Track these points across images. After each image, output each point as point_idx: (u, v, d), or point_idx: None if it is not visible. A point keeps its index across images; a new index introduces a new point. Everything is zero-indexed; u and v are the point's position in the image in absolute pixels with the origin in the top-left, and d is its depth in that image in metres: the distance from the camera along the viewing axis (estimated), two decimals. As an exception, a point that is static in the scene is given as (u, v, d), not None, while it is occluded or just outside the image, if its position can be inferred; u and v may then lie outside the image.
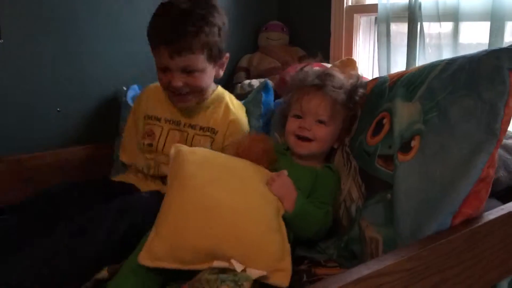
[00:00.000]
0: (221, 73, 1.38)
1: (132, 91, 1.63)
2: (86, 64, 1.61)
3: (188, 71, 1.25)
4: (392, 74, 1.17)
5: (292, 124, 1.18)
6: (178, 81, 1.25)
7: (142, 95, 1.48)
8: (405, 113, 0.98)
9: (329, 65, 1.61)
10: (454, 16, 1.37)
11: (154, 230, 0.93)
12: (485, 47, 1.20)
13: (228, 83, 1.89)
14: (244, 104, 1.49)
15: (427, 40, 1.46)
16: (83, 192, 1.24)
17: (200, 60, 1.25)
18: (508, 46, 0.90)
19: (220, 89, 1.42)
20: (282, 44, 1.95)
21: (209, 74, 1.30)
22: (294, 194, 1.04)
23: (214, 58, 1.29)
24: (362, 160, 1.08)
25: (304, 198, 1.07)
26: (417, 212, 0.87)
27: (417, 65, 1.43)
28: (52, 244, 1.01)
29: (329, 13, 1.83)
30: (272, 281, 0.87)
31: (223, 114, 1.35)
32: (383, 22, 1.56)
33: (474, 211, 0.86)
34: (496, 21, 1.26)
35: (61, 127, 1.60)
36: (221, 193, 0.96)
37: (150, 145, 1.38)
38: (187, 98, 1.30)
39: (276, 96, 1.51)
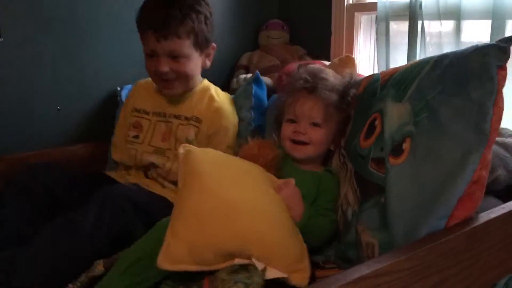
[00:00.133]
0: (208, 63, 1.39)
1: (126, 91, 1.63)
2: (86, 63, 1.61)
3: (174, 56, 1.28)
4: (384, 72, 1.15)
5: (287, 129, 1.18)
6: (165, 66, 1.27)
7: (133, 90, 1.51)
8: (395, 114, 0.97)
9: (327, 63, 1.61)
10: (455, 15, 1.37)
11: (170, 232, 0.88)
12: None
13: (229, 81, 1.88)
14: (235, 97, 1.50)
15: (427, 38, 1.46)
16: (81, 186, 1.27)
17: (186, 46, 1.28)
18: (496, 42, 0.88)
19: (206, 81, 1.43)
20: (283, 43, 1.94)
21: (195, 61, 1.32)
22: (301, 206, 1.04)
23: (200, 45, 1.32)
24: (356, 163, 1.07)
25: (310, 208, 1.07)
26: (410, 216, 0.86)
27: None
28: (41, 242, 1.02)
29: (329, 12, 1.82)
30: (291, 281, 0.87)
31: (207, 103, 1.36)
32: (383, 21, 1.56)
33: (469, 213, 0.85)
34: (497, 19, 1.25)
35: (61, 126, 1.61)
36: (240, 193, 0.93)
37: (137, 137, 1.41)
38: (173, 85, 1.32)
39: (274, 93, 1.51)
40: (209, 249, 0.85)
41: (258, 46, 1.98)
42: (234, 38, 1.97)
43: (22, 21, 1.48)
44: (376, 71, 1.70)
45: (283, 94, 1.24)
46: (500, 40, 0.88)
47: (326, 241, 1.10)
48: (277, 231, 0.91)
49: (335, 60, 1.63)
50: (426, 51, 1.46)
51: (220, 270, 0.86)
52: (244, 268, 0.85)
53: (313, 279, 0.97)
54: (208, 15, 1.33)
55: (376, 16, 1.63)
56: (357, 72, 1.57)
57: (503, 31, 1.26)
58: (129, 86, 1.64)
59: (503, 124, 0.94)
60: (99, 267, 1.01)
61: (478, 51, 0.88)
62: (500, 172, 0.98)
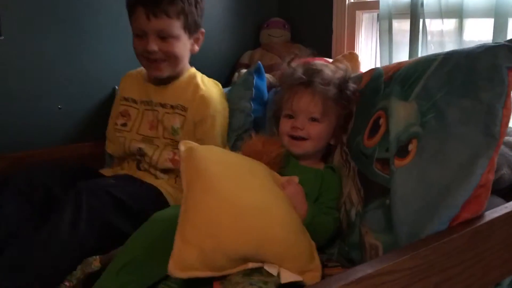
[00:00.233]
0: (197, 48, 1.40)
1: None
2: (86, 62, 1.61)
3: (163, 36, 1.28)
4: (387, 66, 1.13)
5: (285, 125, 1.17)
6: (153, 45, 1.28)
7: (123, 80, 1.51)
8: (401, 113, 0.95)
9: (330, 60, 1.61)
10: (457, 13, 1.36)
11: (179, 237, 0.84)
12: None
13: (230, 79, 1.88)
14: (234, 87, 1.49)
15: (429, 37, 1.45)
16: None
17: (176, 26, 1.28)
18: (505, 41, 0.87)
19: (193, 69, 1.43)
20: (284, 41, 1.94)
21: (183, 43, 1.33)
22: (305, 205, 1.03)
23: (189, 28, 1.32)
24: (360, 162, 1.06)
25: (313, 207, 1.06)
26: (415, 218, 0.85)
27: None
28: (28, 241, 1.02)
29: (331, 10, 1.82)
30: (304, 281, 0.87)
31: (193, 91, 1.35)
32: (385, 19, 1.55)
33: (474, 216, 0.84)
34: (500, 17, 1.25)
35: (62, 125, 1.60)
36: (249, 194, 0.91)
37: (124, 125, 1.42)
38: (161, 67, 1.32)
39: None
40: (222, 254, 0.83)
41: (259, 44, 1.98)
42: (235, 37, 1.97)
43: (22, 20, 1.48)
44: (377, 70, 1.70)
45: (279, 89, 1.24)
46: (509, 40, 0.87)
47: (329, 240, 1.09)
48: (290, 233, 0.89)
49: (339, 57, 1.63)
50: (428, 49, 1.46)
51: (234, 274, 0.84)
52: (258, 270, 0.84)
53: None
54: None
55: (378, 14, 1.63)
56: (360, 69, 1.57)
57: (506, 29, 1.26)
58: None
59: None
60: (95, 263, 1.00)
61: (487, 51, 0.86)
62: (505, 171, 0.97)
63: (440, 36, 1.43)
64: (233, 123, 1.41)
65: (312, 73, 1.15)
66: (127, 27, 1.51)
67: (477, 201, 0.83)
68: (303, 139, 1.15)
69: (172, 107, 1.36)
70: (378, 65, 1.66)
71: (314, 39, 1.91)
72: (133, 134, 1.40)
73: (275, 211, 0.90)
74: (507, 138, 1.07)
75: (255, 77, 1.45)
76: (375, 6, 1.63)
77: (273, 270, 0.84)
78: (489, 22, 1.30)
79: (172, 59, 1.32)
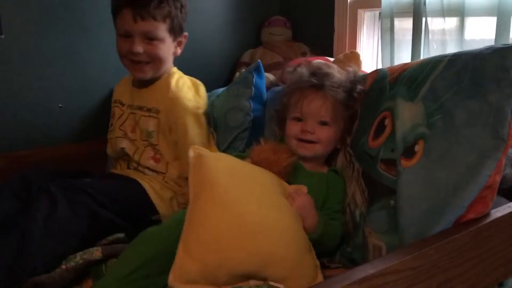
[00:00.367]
0: (179, 51, 1.40)
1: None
2: (88, 60, 1.61)
3: (149, 38, 1.29)
4: (392, 67, 1.13)
5: (294, 128, 1.15)
6: (139, 47, 1.28)
7: (117, 84, 1.52)
8: (407, 114, 0.94)
9: (331, 59, 1.60)
10: (459, 11, 1.35)
11: (182, 248, 0.84)
12: (491, 43, 1.18)
13: (231, 78, 1.88)
14: (233, 85, 1.48)
15: (431, 36, 1.45)
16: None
17: (161, 29, 1.29)
18: None
19: (173, 70, 1.42)
20: (285, 40, 1.93)
21: (168, 46, 1.33)
22: (315, 216, 1.01)
23: (174, 32, 1.33)
24: (365, 163, 1.05)
25: (323, 216, 1.04)
26: (421, 220, 0.85)
27: (421, 61, 1.41)
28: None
29: (332, 8, 1.81)
30: None
31: (164, 93, 1.35)
32: (387, 18, 1.54)
33: (478, 216, 0.84)
34: (502, 16, 1.24)
35: (63, 123, 1.60)
36: (257, 209, 0.89)
37: (111, 125, 1.45)
38: (145, 69, 1.33)
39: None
40: (224, 270, 0.82)
41: (260, 43, 1.97)
42: (236, 35, 1.96)
43: (23, 18, 1.47)
44: (379, 68, 1.69)
45: (286, 90, 1.22)
46: None
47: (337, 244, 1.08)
48: (296, 253, 0.88)
49: (340, 56, 1.62)
50: (430, 48, 1.45)
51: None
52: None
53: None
54: (184, 3, 1.35)
55: (380, 12, 1.62)
56: (361, 69, 1.56)
57: (509, 28, 1.24)
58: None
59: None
60: (96, 253, 1.01)
61: (496, 52, 0.86)
62: (508, 170, 0.97)
63: (442, 34, 1.42)
64: (231, 122, 1.40)
65: (322, 76, 1.14)
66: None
67: (483, 202, 0.84)
68: (312, 142, 1.13)
69: (148, 110, 1.37)
70: (380, 64, 1.65)
71: (316, 37, 1.90)
72: (117, 131, 1.42)
73: (282, 229, 0.89)
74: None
75: (254, 75, 1.44)
76: (377, 4, 1.62)
77: (277, 285, 0.83)
78: (492, 21, 1.29)
79: (156, 61, 1.32)
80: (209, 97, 1.52)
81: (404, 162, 0.91)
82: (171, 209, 1.27)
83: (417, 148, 0.90)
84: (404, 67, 1.05)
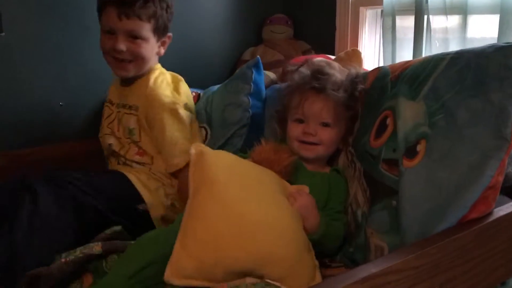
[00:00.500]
0: (163, 51, 1.40)
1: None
2: (89, 58, 1.60)
3: (133, 36, 1.29)
4: (393, 65, 1.12)
5: (295, 130, 1.15)
6: (122, 44, 1.28)
7: (111, 83, 1.51)
8: (409, 114, 0.94)
9: (333, 57, 1.60)
10: (462, 9, 1.35)
11: (180, 244, 0.84)
12: (494, 42, 1.17)
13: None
14: (231, 80, 1.47)
15: (433, 34, 1.44)
16: None
17: (146, 29, 1.29)
18: None
19: (156, 66, 1.41)
20: (287, 38, 1.93)
21: (151, 45, 1.33)
22: (317, 216, 1.01)
23: (158, 32, 1.33)
24: (366, 162, 1.05)
25: (324, 217, 1.04)
26: (424, 220, 0.85)
27: (423, 59, 1.40)
28: None
29: (334, 6, 1.81)
30: None
31: (143, 90, 1.35)
32: (389, 16, 1.54)
33: (480, 216, 0.84)
34: (505, 14, 1.23)
35: (64, 121, 1.60)
36: (256, 207, 0.88)
37: (101, 123, 1.46)
38: (128, 67, 1.33)
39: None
40: (221, 268, 0.82)
41: (261, 41, 1.97)
42: (237, 33, 1.96)
43: (24, 17, 1.47)
44: (381, 67, 1.69)
45: (287, 90, 1.22)
46: None
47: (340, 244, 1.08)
48: (294, 252, 0.88)
49: (341, 54, 1.62)
50: (432, 46, 1.45)
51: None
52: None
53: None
54: (170, 4, 1.36)
55: (381, 10, 1.61)
56: (363, 67, 1.55)
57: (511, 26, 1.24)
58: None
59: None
60: (96, 247, 1.00)
61: (499, 51, 0.85)
62: (510, 169, 0.96)
63: (444, 33, 1.41)
64: (228, 118, 1.39)
65: (323, 78, 1.13)
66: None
67: (485, 202, 0.83)
68: (314, 144, 1.13)
69: (129, 107, 1.38)
70: (382, 62, 1.64)
71: (317, 35, 1.90)
72: (105, 129, 1.43)
73: (282, 228, 0.88)
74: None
75: (253, 71, 1.43)
76: (378, 2, 1.62)
77: (274, 283, 0.83)
78: (495, 19, 1.28)
79: (139, 60, 1.32)
80: (204, 94, 1.52)
81: (406, 162, 0.91)
82: (158, 199, 1.28)
83: (419, 148, 0.89)
84: (405, 65, 1.05)
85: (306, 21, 1.95)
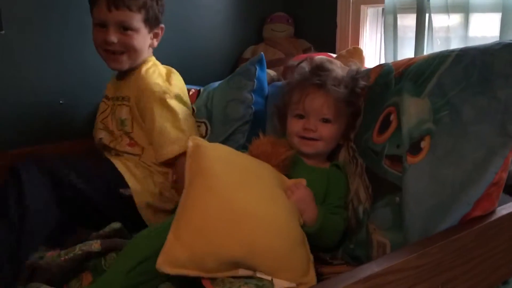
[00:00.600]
0: (156, 43, 1.41)
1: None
2: (88, 56, 1.59)
3: (124, 27, 1.29)
4: (397, 62, 1.12)
5: (295, 125, 1.15)
6: (113, 36, 1.29)
7: (110, 80, 1.51)
8: (413, 110, 0.94)
9: (334, 55, 1.59)
10: (463, 7, 1.34)
11: (173, 233, 0.85)
12: (496, 40, 1.17)
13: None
14: (234, 76, 1.46)
15: (435, 32, 1.43)
16: None
17: (136, 19, 1.29)
18: None
19: (149, 58, 1.41)
20: (287, 36, 1.92)
21: (143, 36, 1.33)
22: (314, 208, 1.01)
23: (149, 22, 1.33)
24: (369, 159, 1.04)
25: (322, 209, 1.04)
26: (427, 217, 0.85)
27: (425, 57, 1.39)
28: None
29: (335, 4, 1.80)
30: None
31: (133, 80, 1.36)
32: (390, 14, 1.53)
33: (484, 213, 0.84)
34: (507, 12, 1.23)
35: (64, 120, 1.59)
36: (249, 199, 0.89)
37: (96, 118, 1.47)
38: (121, 59, 1.33)
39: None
40: (212, 256, 0.82)
41: (262, 39, 1.97)
42: (238, 31, 1.95)
43: (24, 15, 1.46)
44: (383, 65, 1.68)
45: (288, 87, 1.22)
46: None
47: (340, 240, 1.07)
48: (286, 244, 0.88)
49: (343, 52, 1.61)
50: (434, 45, 1.44)
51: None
52: (250, 276, 0.83)
53: (320, 275, 0.96)
54: None
55: (383, 9, 1.61)
56: (364, 65, 1.55)
57: (514, 24, 1.24)
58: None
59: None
60: (95, 245, 1.01)
61: (505, 48, 0.85)
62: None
63: (445, 31, 1.41)
64: (231, 114, 1.39)
65: (324, 73, 1.13)
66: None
67: (489, 199, 0.83)
68: (314, 139, 1.13)
69: (122, 98, 1.38)
70: (383, 61, 1.64)
71: (318, 33, 1.89)
72: (98, 124, 1.44)
73: (274, 220, 0.89)
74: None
75: (257, 68, 1.42)
76: (380, 0, 1.61)
77: (265, 278, 0.83)
78: (496, 17, 1.28)
79: (131, 51, 1.32)
80: (204, 90, 1.51)
81: (410, 159, 0.90)
82: (145, 187, 1.28)
83: (423, 144, 0.89)
84: (409, 62, 1.04)
85: (307, 19, 1.94)
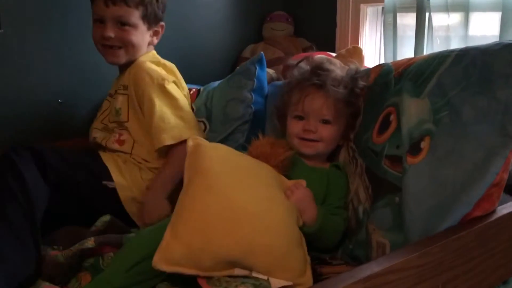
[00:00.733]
0: (156, 41, 1.41)
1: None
2: (88, 55, 1.59)
3: (121, 23, 1.30)
4: (397, 62, 1.12)
5: (295, 126, 1.14)
6: (110, 31, 1.30)
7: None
8: (413, 110, 0.93)
9: (333, 54, 1.59)
10: (463, 7, 1.34)
11: (170, 230, 0.85)
12: (496, 39, 1.17)
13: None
14: (233, 75, 1.46)
15: (435, 31, 1.43)
16: None
17: (134, 15, 1.30)
18: None
19: (149, 50, 1.41)
20: (287, 35, 1.92)
21: (141, 32, 1.34)
22: (314, 209, 1.01)
23: (148, 19, 1.34)
24: (368, 159, 1.04)
25: (322, 210, 1.04)
26: (428, 217, 0.84)
27: (425, 57, 1.39)
28: None
29: (335, 3, 1.80)
30: None
31: (132, 68, 1.36)
32: (390, 13, 1.53)
33: (484, 214, 0.84)
34: (507, 11, 1.23)
35: (63, 119, 1.59)
36: (248, 199, 0.89)
37: (96, 115, 1.47)
38: (118, 53, 1.34)
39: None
40: (209, 255, 0.82)
41: (262, 38, 1.96)
42: (238, 30, 1.95)
43: (23, 13, 1.46)
44: (382, 64, 1.68)
45: (287, 87, 1.21)
46: None
47: (339, 240, 1.07)
48: (283, 245, 0.88)
49: (342, 51, 1.61)
50: (433, 43, 1.44)
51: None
52: (245, 276, 0.83)
53: (320, 275, 0.95)
54: None
55: (382, 8, 1.61)
56: (364, 64, 1.55)
57: (514, 23, 1.23)
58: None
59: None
60: (89, 242, 1.01)
61: (505, 48, 0.85)
62: (512, 167, 0.96)
63: (445, 30, 1.41)
64: (230, 113, 1.38)
65: (323, 73, 1.13)
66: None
67: (489, 199, 0.83)
68: (315, 141, 1.13)
69: (122, 87, 1.38)
70: (383, 60, 1.64)
71: (318, 32, 1.89)
72: (97, 123, 1.43)
73: (271, 220, 0.89)
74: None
75: (257, 67, 1.42)
76: (379, -1, 1.61)
77: (261, 277, 0.83)
78: (496, 16, 1.28)
79: (129, 47, 1.33)
80: (204, 89, 1.51)
81: (409, 159, 0.90)
82: (131, 181, 1.27)
83: (423, 144, 0.89)
84: (409, 62, 1.04)
85: (307, 18, 1.94)
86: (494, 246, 0.86)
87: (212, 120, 1.41)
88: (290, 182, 1.05)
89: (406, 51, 1.54)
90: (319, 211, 1.02)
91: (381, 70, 1.13)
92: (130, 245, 0.96)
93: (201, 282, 0.83)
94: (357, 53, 1.58)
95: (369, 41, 1.78)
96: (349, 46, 1.69)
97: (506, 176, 0.83)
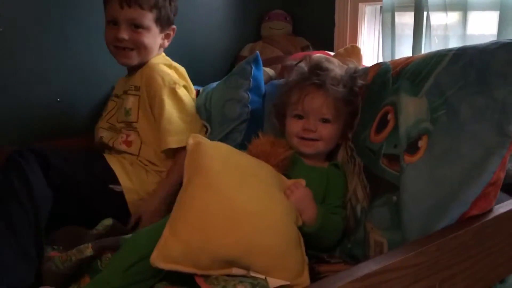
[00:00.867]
0: (167, 44, 1.43)
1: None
2: (87, 54, 1.59)
3: (135, 25, 1.31)
4: (395, 61, 1.12)
5: (295, 126, 1.14)
6: (124, 33, 1.31)
7: (120, 78, 1.52)
8: (411, 109, 0.93)
9: (332, 53, 1.59)
10: (462, 6, 1.34)
11: (169, 228, 0.85)
12: (494, 38, 1.17)
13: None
14: (230, 76, 1.47)
15: (433, 30, 1.43)
16: None
17: (147, 18, 1.32)
18: None
19: (159, 55, 1.42)
20: (285, 34, 1.92)
21: (153, 35, 1.35)
22: (314, 208, 1.01)
23: (161, 22, 1.35)
24: (366, 158, 1.04)
25: (322, 209, 1.04)
26: (425, 216, 0.85)
27: (423, 56, 1.39)
28: None
29: (333, 2, 1.80)
30: None
31: (144, 70, 1.37)
32: (388, 12, 1.53)
33: (481, 212, 0.84)
34: (506, 10, 1.23)
35: (61, 118, 1.59)
36: (247, 198, 0.89)
37: (101, 115, 1.47)
38: (130, 54, 1.35)
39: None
40: (207, 254, 0.82)
41: (260, 37, 1.96)
42: (236, 29, 1.95)
43: (22, 11, 1.46)
44: (380, 63, 1.68)
45: (286, 86, 1.21)
46: None
47: (338, 240, 1.07)
48: (282, 244, 0.87)
49: (341, 50, 1.61)
50: (432, 42, 1.44)
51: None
52: (243, 275, 0.83)
53: (318, 274, 0.96)
54: None
55: (381, 7, 1.61)
56: (362, 63, 1.55)
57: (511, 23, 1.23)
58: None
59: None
60: (87, 250, 1.00)
61: (503, 47, 0.85)
62: (510, 166, 0.96)
63: (443, 29, 1.41)
64: (228, 113, 1.39)
65: (323, 73, 1.13)
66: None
67: (486, 198, 0.83)
68: (314, 140, 1.13)
69: (133, 88, 1.39)
70: (381, 59, 1.64)
71: (316, 31, 1.89)
72: (103, 122, 1.44)
73: (270, 220, 0.89)
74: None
75: (253, 67, 1.43)
76: (378, -2, 1.62)
77: (259, 276, 0.83)
78: (494, 15, 1.28)
79: (142, 49, 1.34)
80: (204, 90, 1.51)
81: (407, 158, 0.90)
82: (138, 184, 1.28)
83: (420, 143, 0.89)
84: (407, 61, 1.04)
85: (305, 17, 1.94)
86: (491, 245, 0.86)
87: (212, 121, 1.41)
88: (289, 182, 1.05)
89: (404, 50, 1.54)
90: (319, 210, 1.02)
91: (379, 69, 1.13)
92: (127, 245, 0.96)
93: (198, 280, 0.83)
94: (355, 52, 1.58)
95: (367, 40, 1.78)
96: (348, 45, 1.69)
97: (503, 175, 0.83)
